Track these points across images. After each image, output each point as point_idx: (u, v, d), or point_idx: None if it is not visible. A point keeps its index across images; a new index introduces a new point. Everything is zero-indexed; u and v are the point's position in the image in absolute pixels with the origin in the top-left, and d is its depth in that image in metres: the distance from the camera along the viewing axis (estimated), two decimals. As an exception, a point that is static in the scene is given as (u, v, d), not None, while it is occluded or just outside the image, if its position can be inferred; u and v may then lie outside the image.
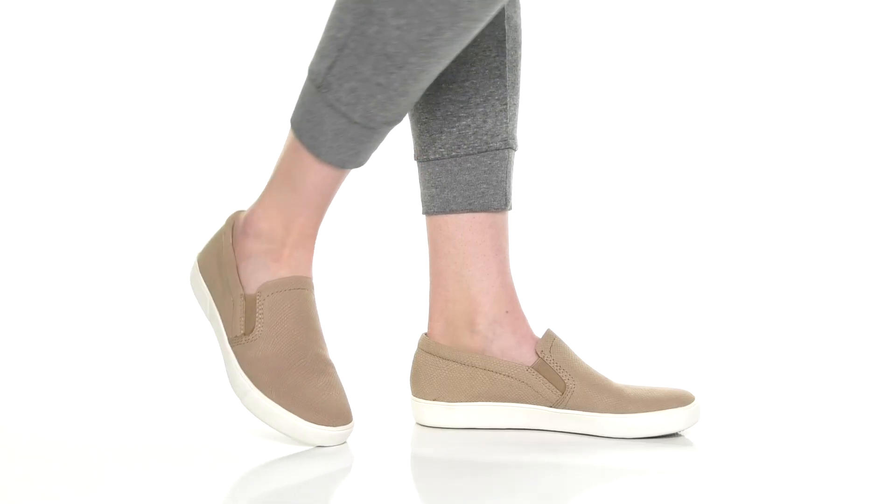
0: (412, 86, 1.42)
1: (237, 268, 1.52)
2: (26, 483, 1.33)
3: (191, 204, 2.66)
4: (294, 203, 1.50)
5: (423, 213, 1.62)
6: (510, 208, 1.60)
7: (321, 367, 1.49)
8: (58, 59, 2.77)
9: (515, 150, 1.61)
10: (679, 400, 1.53)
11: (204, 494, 1.30)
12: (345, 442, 1.48)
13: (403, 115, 1.46)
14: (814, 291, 2.50)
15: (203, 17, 2.80)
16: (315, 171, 1.48)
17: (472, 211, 1.60)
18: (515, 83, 1.61)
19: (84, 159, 2.74)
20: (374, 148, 1.48)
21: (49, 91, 2.77)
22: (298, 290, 1.50)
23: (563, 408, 1.55)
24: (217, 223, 1.58)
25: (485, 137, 1.59)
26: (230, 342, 1.49)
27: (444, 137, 1.60)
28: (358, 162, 1.48)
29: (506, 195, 1.60)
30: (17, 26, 2.76)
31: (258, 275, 1.52)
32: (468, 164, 1.59)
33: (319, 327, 1.52)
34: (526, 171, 2.04)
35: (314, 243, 1.52)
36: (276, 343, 1.49)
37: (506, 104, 1.60)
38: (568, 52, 2.81)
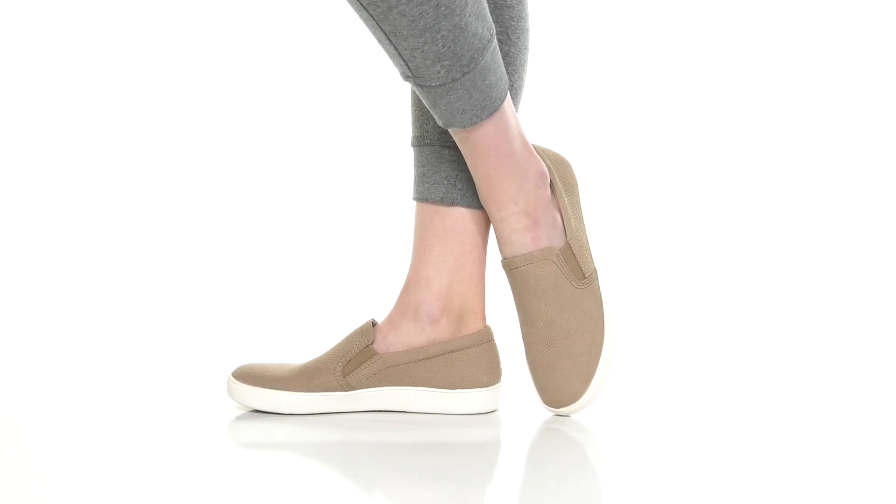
0: None
1: None
2: (26, 483, 1.33)
3: (190, 204, 2.66)
4: None
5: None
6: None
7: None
8: (58, 59, 2.78)
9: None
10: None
11: (204, 494, 1.31)
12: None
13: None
14: (812, 291, 2.51)
15: (203, 18, 2.81)
16: None
17: None
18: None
19: (84, 160, 2.75)
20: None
21: (49, 92, 2.78)
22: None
23: None
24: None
25: None
26: None
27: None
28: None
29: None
30: (17, 27, 2.77)
31: None
32: None
33: (338, 347, 1.62)
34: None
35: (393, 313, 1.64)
36: None
37: None
38: (566, 53, 2.81)
